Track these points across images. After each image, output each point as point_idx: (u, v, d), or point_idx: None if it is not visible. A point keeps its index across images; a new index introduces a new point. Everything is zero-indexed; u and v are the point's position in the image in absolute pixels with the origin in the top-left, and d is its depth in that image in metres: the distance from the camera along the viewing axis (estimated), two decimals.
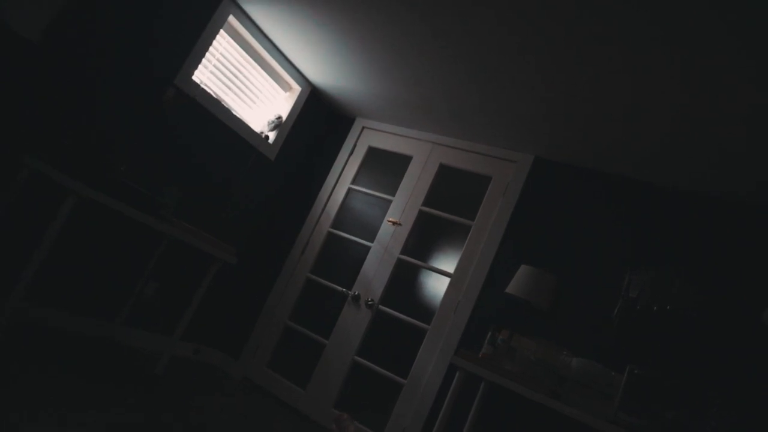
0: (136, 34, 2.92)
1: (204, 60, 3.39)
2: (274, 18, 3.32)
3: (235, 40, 3.54)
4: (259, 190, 4.04)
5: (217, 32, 3.31)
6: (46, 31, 2.54)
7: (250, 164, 3.86)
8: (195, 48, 3.22)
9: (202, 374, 3.46)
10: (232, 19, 3.39)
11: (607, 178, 3.31)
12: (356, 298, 3.70)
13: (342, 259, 3.96)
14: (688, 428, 2.28)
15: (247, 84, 3.76)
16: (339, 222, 4.10)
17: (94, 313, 3.14)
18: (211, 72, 3.48)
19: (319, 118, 4.37)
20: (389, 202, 3.96)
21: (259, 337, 3.88)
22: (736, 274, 2.82)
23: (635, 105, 2.56)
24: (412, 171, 3.95)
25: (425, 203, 3.81)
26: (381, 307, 3.62)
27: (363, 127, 4.30)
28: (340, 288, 3.81)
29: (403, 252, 3.72)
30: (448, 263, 3.59)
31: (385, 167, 4.13)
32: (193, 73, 3.25)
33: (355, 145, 4.27)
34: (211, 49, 3.41)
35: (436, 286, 3.57)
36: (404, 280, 3.69)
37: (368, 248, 3.87)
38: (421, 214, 3.81)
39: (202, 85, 3.40)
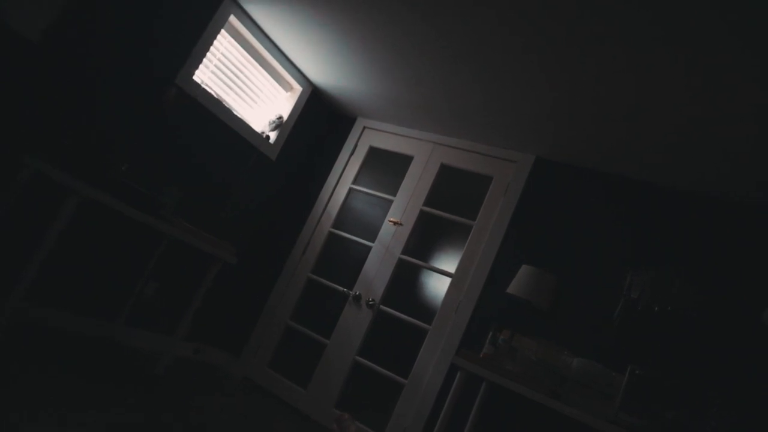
0: (137, 34, 2.92)
1: (205, 60, 3.39)
2: (275, 18, 3.32)
3: (236, 40, 3.54)
4: (260, 190, 4.04)
5: (218, 32, 3.31)
6: (46, 31, 2.54)
7: (251, 164, 3.86)
8: (196, 48, 3.22)
9: (202, 374, 3.46)
10: (233, 18, 3.39)
11: (608, 179, 3.31)
12: (357, 298, 3.70)
13: (343, 259, 3.96)
14: (689, 428, 2.27)
15: (248, 84, 3.76)
16: (340, 222, 4.10)
17: (94, 313, 3.14)
18: (212, 72, 3.48)
19: (320, 118, 4.37)
20: (390, 202, 3.95)
21: (260, 337, 3.88)
22: (736, 274, 2.81)
23: (637, 105, 2.56)
24: (414, 171, 3.95)
25: (426, 203, 3.81)
26: (382, 307, 3.62)
27: (364, 127, 4.30)
28: (341, 288, 3.81)
29: (404, 252, 3.72)
30: (449, 263, 3.58)
31: (386, 167, 4.13)
32: (194, 73, 3.25)
33: (356, 145, 4.27)
34: (212, 48, 3.41)
35: (437, 286, 3.57)
36: (405, 280, 3.69)
37: (369, 248, 3.87)
38: (422, 214, 3.80)
39: (203, 85, 3.40)
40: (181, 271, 3.60)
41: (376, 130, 4.24)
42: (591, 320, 3.00)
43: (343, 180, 4.19)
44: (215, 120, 3.48)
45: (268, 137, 3.93)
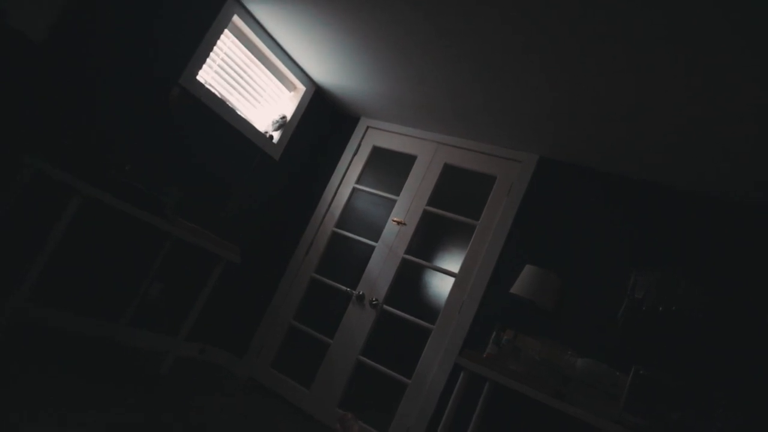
0: (139, 34, 2.93)
1: (208, 60, 3.40)
2: (278, 17, 3.32)
3: (239, 40, 3.55)
4: (264, 190, 4.05)
5: (221, 32, 3.32)
6: (49, 31, 2.54)
7: (255, 164, 3.87)
8: (199, 48, 3.23)
9: (206, 374, 3.47)
10: (236, 18, 3.40)
11: (612, 178, 3.29)
12: (361, 298, 3.70)
13: (346, 258, 3.96)
14: (694, 429, 2.26)
15: (252, 84, 3.77)
16: (343, 222, 4.10)
17: (97, 313, 3.15)
18: (216, 72, 3.49)
19: (323, 118, 4.37)
20: (394, 201, 3.95)
21: (263, 337, 3.89)
22: (742, 275, 2.80)
23: (638, 104, 2.54)
24: (417, 170, 3.94)
25: (430, 203, 3.80)
26: (385, 306, 3.62)
27: (367, 127, 4.30)
28: (344, 288, 3.81)
29: (407, 252, 3.72)
30: (452, 263, 3.58)
31: (389, 167, 4.12)
32: (197, 73, 3.26)
33: (359, 145, 4.26)
34: (215, 48, 3.41)
35: (441, 285, 3.56)
36: (409, 280, 3.68)
37: (373, 248, 3.86)
38: (426, 214, 3.80)
39: (207, 85, 3.41)
40: (186, 271, 3.61)
41: (380, 129, 4.24)
42: (595, 320, 2.99)
43: (347, 180, 4.19)
44: (218, 120, 3.49)
45: (271, 137, 3.94)
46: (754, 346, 2.63)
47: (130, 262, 3.24)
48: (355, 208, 4.11)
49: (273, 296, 4.01)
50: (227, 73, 3.56)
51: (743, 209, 2.93)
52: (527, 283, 3.00)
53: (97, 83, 2.81)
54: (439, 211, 3.73)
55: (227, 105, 3.50)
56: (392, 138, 4.16)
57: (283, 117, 3.96)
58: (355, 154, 4.25)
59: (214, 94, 3.39)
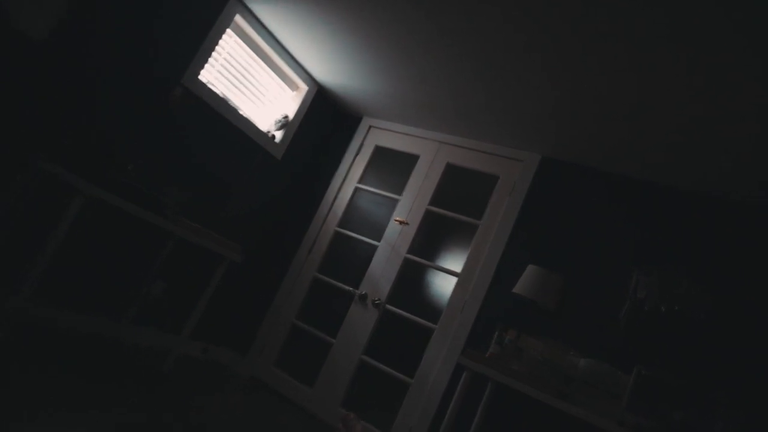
0: (141, 34, 2.93)
1: (211, 59, 3.40)
2: (280, 17, 3.32)
3: (241, 40, 3.55)
4: (266, 190, 4.05)
5: (223, 32, 3.32)
6: (49, 31, 2.55)
7: (257, 164, 3.87)
8: (202, 47, 3.23)
9: (209, 373, 3.48)
10: (238, 18, 3.40)
11: (614, 178, 3.29)
12: (363, 298, 3.70)
13: (349, 258, 3.96)
14: (696, 429, 2.26)
15: (254, 83, 3.77)
16: (346, 221, 4.10)
17: (100, 313, 3.16)
18: (218, 71, 3.50)
19: (325, 117, 4.38)
20: (396, 201, 3.95)
21: (266, 336, 3.89)
22: (744, 275, 2.79)
23: (641, 103, 2.54)
24: (419, 170, 3.94)
25: (432, 202, 3.80)
26: (388, 306, 3.62)
27: (370, 126, 4.30)
28: (347, 287, 3.81)
29: (410, 251, 3.72)
30: (455, 263, 3.58)
31: (392, 166, 4.12)
32: (199, 73, 3.26)
33: (361, 144, 4.26)
34: (217, 48, 3.42)
35: (443, 285, 3.56)
36: (411, 280, 3.68)
37: (375, 247, 3.87)
38: (428, 214, 3.80)
39: (209, 85, 3.42)
40: (188, 270, 3.61)
41: (382, 129, 4.24)
42: (597, 320, 2.98)
43: (349, 179, 4.19)
44: (221, 119, 3.49)
45: (273, 137, 3.94)
46: (755, 346, 2.63)
47: (133, 261, 3.25)
48: (357, 207, 4.11)
49: (275, 295, 4.02)
50: (230, 72, 3.57)
51: (745, 209, 2.92)
52: (529, 283, 3.00)
53: (97, 83, 2.82)
54: (442, 211, 3.73)
55: (229, 105, 3.51)
56: (394, 137, 4.16)
57: (286, 116, 3.96)
58: (357, 153, 4.25)
59: (216, 94, 3.40)
